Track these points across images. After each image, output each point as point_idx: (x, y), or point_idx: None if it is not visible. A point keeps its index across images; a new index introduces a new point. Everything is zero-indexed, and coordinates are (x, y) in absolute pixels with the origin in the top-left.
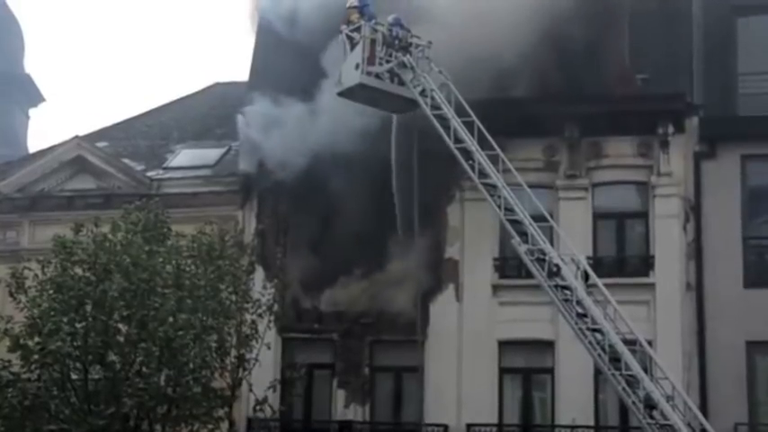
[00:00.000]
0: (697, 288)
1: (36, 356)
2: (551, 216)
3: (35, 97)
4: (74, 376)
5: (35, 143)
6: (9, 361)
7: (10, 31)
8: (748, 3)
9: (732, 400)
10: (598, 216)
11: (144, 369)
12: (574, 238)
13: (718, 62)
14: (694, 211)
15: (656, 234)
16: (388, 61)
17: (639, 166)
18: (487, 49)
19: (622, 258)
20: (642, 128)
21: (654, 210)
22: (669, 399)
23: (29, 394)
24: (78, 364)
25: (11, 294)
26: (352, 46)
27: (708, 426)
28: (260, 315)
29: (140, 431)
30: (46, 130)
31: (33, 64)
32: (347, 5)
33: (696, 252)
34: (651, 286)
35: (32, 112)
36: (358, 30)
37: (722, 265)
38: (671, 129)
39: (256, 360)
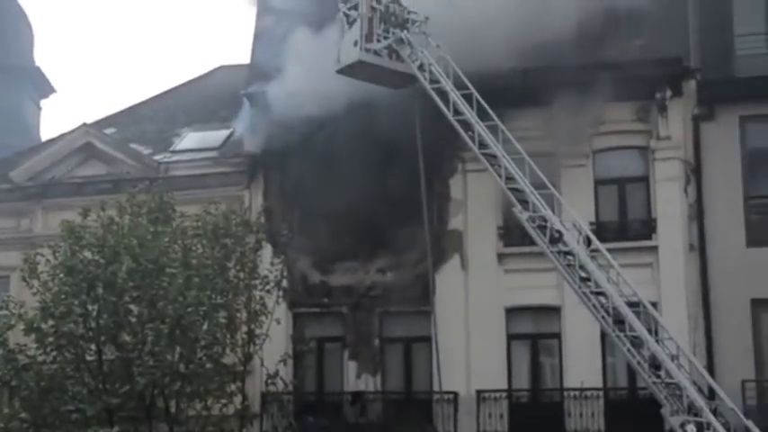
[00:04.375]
0: (700, 249)
1: (50, 339)
2: (553, 185)
3: (46, 89)
4: (88, 357)
5: (48, 134)
6: (25, 345)
7: (19, 25)
8: None
9: (738, 358)
10: (599, 182)
11: (156, 347)
12: (576, 205)
13: (714, 24)
14: (695, 173)
15: (657, 197)
16: (386, 38)
17: (639, 131)
18: (484, 20)
19: (624, 223)
20: (640, 93)
21: (654, 173)
22: (674, 358)
23: (45, 376)
24: (92, 345)
25: (24, 279)
26: (350, 23)
27: (713, 383)
28: (268, 291)
29: (155, 408)
30: (58, 120)
31: (43, 56)
32: None
33: (698, 213)
34: (654, 249)
35: (44, 103)
36: (355, 7)
37: (724, 225)
38: (669, 93)
39: (266, 335)
